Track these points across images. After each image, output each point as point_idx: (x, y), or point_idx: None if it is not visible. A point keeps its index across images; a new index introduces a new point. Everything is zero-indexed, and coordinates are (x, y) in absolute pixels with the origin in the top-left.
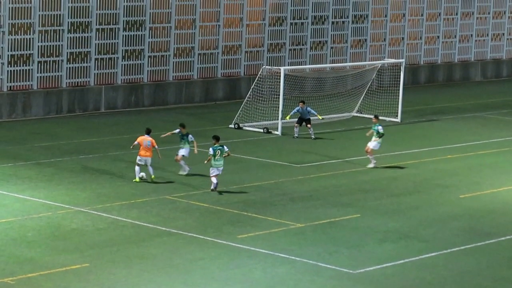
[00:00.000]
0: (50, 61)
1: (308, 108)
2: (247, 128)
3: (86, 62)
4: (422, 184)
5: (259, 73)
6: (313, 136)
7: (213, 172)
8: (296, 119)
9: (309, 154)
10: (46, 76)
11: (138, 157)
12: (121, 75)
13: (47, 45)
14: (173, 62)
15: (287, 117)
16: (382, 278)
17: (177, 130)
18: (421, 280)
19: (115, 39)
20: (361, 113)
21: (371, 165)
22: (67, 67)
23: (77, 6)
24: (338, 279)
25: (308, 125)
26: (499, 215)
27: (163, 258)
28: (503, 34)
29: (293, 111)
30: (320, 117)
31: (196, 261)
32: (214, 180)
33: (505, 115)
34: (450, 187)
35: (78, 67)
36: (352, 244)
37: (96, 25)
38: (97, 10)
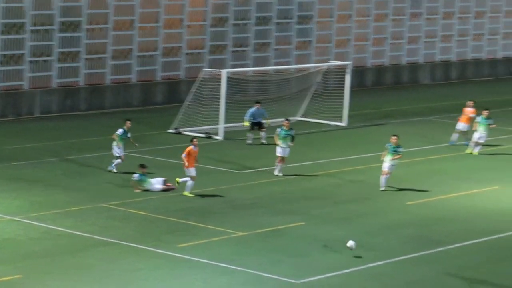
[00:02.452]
0: None
1: (263, 110)
2: (188, 133)
3: (20, 65)
4: (369, 190)
5: (200, 75)
6: (264, 141)
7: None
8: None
9: (252, 160)
10: None
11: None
12: (56, 78)
13: None
14: (111, 64)
15: (246, 123)
16: (327, 287)
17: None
18: None
19: (50, 40)
20: (306, 117)
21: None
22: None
23: (9, 7)
24: None
25: (262, 129)
26: (447, 223)
27: (99, 268)
28: (452, 35)
29: (248, 115)
30: (268, 122)
31: (134, 272)
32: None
33: (454, 119)
34: (398, 193)
35: (11, 70)
36: (296, 253)
37: (30, 26)
38: (31, 10)
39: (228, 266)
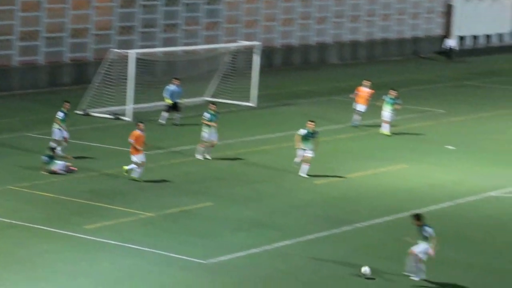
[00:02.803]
0: None
1: (180, 89)
2: (95, 114)
3: None
4: (277, 170)
5: (108, 56)
6: (178, 122)
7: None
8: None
9: (160, 141)
10: None
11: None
12: None
13: None
14: (18, 46)
15: (167, 100)
16: (235, 267)
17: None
18: (275, 269)
19: None
20: (215, 97)
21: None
22: None
23: None
24: (189, 269)
25: (177, 111)
26: (355, 202)
27: (6, 251)
28: (360, 15)
29: (167, 92)
30: (183, 101)
31: (42, 254)
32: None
33: (348, 97)
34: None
35: None
36: (204, 233)
37: None
38: None
39: (137, 247)
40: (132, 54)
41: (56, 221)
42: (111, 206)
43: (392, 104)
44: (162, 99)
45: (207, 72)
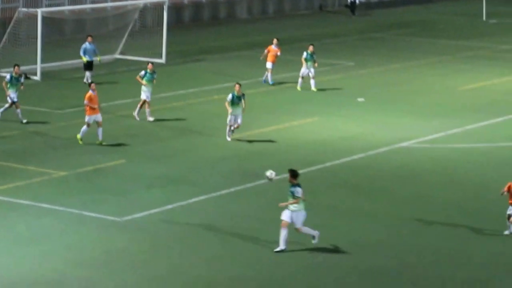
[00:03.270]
0: None
1: (93, 46)
2: (3, 74)
3: None
4: (190, 127)
5: (15, 15)
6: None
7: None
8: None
9: (71, 99)
10: None
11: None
12: None
13: None
14: None
15: (84, 59)
16: (150, 224)
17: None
18: (191, 225)
19: None
20: (124, 55)
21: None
22: None
23: None
24: (104, 227)
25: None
26: (268, 156)
27: None
28: None
29: (82, 51)
30: (99, 58)
31: None
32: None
33: (259, 56)
34: (218, 129)
35: None
36: (118, 191)
37: None
38: None
39: (51, 206)
40: (40, 12)
41: None
42: (23, 166)
43: (311, 60)
44: (72, 57)
45: (116, 29)
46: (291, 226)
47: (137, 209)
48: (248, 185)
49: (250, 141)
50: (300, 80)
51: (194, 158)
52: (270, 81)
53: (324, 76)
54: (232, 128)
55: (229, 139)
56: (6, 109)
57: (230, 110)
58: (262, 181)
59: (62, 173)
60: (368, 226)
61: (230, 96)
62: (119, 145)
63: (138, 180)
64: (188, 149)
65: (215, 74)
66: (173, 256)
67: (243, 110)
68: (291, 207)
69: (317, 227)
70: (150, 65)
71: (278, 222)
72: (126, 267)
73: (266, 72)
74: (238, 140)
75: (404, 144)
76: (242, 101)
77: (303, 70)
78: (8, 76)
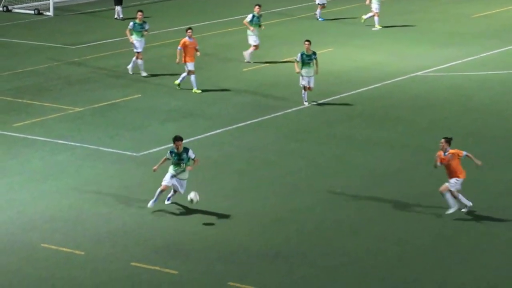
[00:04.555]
0: None
1: None
2: (17, 10)
3: None
4: (204, 59)
5: None
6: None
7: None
8: None
9: (84, 34)
10: None
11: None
12: None
13: None
14: None
15: None
16: None
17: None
18: (207, 158)
19: None
20: None
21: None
22: None
23: None
24: (121, 163)
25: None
26: (282, 88)
27: None
28: None
29: None
30: None
31: None
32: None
33: None
34: (233, 61)
35: None
36: (134, 126)
37: None
38: None
39: (67, 142)
40: None
41: None
42: (39, 103)
43: None
44: None
45: None
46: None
47: (153, 143)
48: (264, 117)
49: (264, 73)
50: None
51: (207, 91)
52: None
53: (338, 5)
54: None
55: (306, 103)
56: (134, 62)
57: (298, 70)
58: (278, 113)
59: (78, 109)
60: (385, 156)
61: (299, 55)
62: (133, 79)
63: (153, 114)
64: (202, 82)
65: (226, 6)
66: (191, 190)
67: (316, 71)
68: None
69: (335, 158)
70: (257, 8)
71: (293, 152)
72: (144, 202)
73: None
74: (253, 72)
75: (420, 73)
76: (314, 60)
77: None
78: (131, 23)
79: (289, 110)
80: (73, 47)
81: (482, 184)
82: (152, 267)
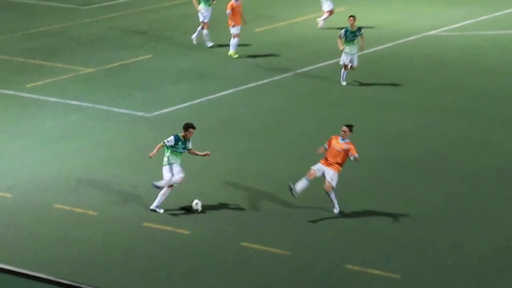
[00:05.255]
0: None
1: None
2: None
3: None
4: (214, 20)
5: None
6: None
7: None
8: None
9: None
10: None
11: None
12: None
13: None
14: None
15: None
16: (179, 119)
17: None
18: (218, 119)
19: None
20: None
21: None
22: None
23: None
24: (133, 123)
25: None
26: (295, 48)
27: None
28: None
29: None
30: None
31: None
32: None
33: None
34: (247, 22)
35: None
36: (145, 86)
37: None
38: None
39: (79, 103)
40: None
41: None
42: (51, 64)
43: None
44: None
45: None
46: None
47: (165, 104)
48: (276, 77)
49: (276, 33)
50: None
51: (219, 51)
52: None
53: None
54: (346, 70)
55: (344, 83)
56: (199, 32)
57: (341, 47)
58: (290, 73)
59: (89, 70)
60: (397, 116)
61: (342, 31)
62: (145, 40)
63: (165, 75)
64: (213, 42)
65: None
66: (202, 150)
67: (360, 48)
68: None
69: (347, 118)
70: None
71: (304, 114)
72: (156, 163)
73: None
74: (264, 32)
75: (433, 32)
76: (359, 37)
77: None
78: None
79: (301, 71)
80: (85, 7)
81: (496, 145)
82: (165, 228)
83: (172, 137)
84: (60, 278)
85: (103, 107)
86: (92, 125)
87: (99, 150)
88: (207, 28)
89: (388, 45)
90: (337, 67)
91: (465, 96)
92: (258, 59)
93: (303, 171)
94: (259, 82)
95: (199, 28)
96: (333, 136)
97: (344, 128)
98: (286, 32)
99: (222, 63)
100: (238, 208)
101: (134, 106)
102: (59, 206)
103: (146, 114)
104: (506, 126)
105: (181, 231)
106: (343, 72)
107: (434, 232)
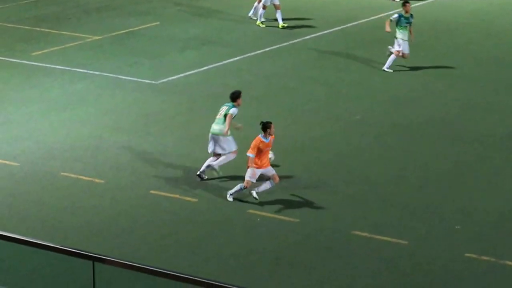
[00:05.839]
0: None
1: None
2: None
3: None
4: None
5: None
6: None
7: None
8: None
9: None
10: None
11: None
12: None
13: None
14: None
15: None
16: (186, 86)
17: None
18: (226, 86)
19: None
20: None
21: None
22: None
23: None
24: (140, 91)
25: None
26: (303, 13)
27: None
28: None
29: None
30: None
31: None
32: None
33: None
34: None
35: None
36: (153, 54)
37: None
38: None
39: (86, 71)
40: None
41: (1, 49)
42: (57, 31)
43: None
44: None
45: None
46: None
47: (172, 71)
48: (283, 44)
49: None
50: None
51: (226, 18)
52: None
53: None
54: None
55: (390, 70)
56: (256, 8)
57: (389, 29)
58: (297, 40)
59: (96, 37)
60: (405, 81)
61: (396, 16)
62: (151, 7)
63: (172, 42)
64: (220, 9)
65: None
66: (209, 116)
67: (411, 35)
68: None
69: (354, 84)
70: None
71: (312, 80)
72: (164, 130)
73: None
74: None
75: None
76: (411, 23)
77: None
78: None
79: (308, 37)
80: None
81: (504, 110)
82: (172, 195)
83: (235, 109)
84: (68, 247)
85: (110, 75)
86: (99, 93)
87: (106, 118)
88: (264, 8)
89: (395, 10)
90: (346, 32)
91: (473, 61)
92: (266, 26)
93: (311, 138)
94: (266, 49)
95: (255, 4)
96: (259, 139)
97: (272, 125)
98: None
99: (229, 30)
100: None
101: (141, 73)
102: (65, 174)
103: (153, 82)
104: None
105: (188, 199)
106: (393, 58)
107: (442, 198)
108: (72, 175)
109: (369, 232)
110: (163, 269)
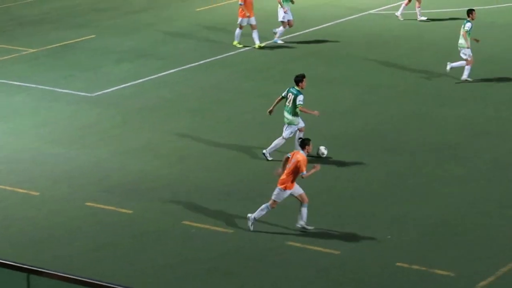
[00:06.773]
0: None
1: None
2: None
3: None
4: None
5: None
6: None
7: None
8: None
9: None
10: None
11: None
12: None
13: None
14: None
15: None
16: (121, 98)
17: None
18: (161, 98)
19: None
20: None
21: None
22: None
23: None
24: (76, 103)
25: None
26: (236, 27)
27: None
28: None
29: None
30: None
31: None
32: None
33: None
34: (186, 1)
35: None
36: (88, 66)
37: None
38: None
39: (22, 84)
40: None
41: None
42: None
43: None
44: None
45: None
46: None
47: (108, 84)
48: (218, 57)
49: (218, 12)
50: None
51: (162, 31)
52: None
53: None
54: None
55: (469, 79)
56: (281, 32)
57: (475, 39)
58: (232, 53)
59: (32, 50)
60: (339, 93)
61: (470, 25)
62: (88, 20)
63: (107, 55)
64: (155, 22)
65: None
66: (144, 129)
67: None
68: None
69: None
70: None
71: (247, 92)
72: (99, 142)
73: None
74: (206, 11)
75: (373, 11)
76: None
77: None
78: None
79: (243, 50)
80: None
81: (434, 121)
82: (107, 207)
83: (301, 96)
84: (1, 259)
85: (46, 88)
86: (35, 105)
87: (42, 130)
88: (240, 28)
89: (329, 23)
90: (282, 46)
91: (406, 73)
92: (200, 38)
93: (246, 149)
94: (201, 62)
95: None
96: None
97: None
98: (227, 12)
99: (164, 43)
100: (181, 187)
101: (77, 86)
102: (1, 186)
103: (89, 94)
104: (445, 103)
105: (123, 210)
106: (470, 69)
107: (373, 208)
108: (8, 188)
109: (302, 243)
110: (99, 281)
